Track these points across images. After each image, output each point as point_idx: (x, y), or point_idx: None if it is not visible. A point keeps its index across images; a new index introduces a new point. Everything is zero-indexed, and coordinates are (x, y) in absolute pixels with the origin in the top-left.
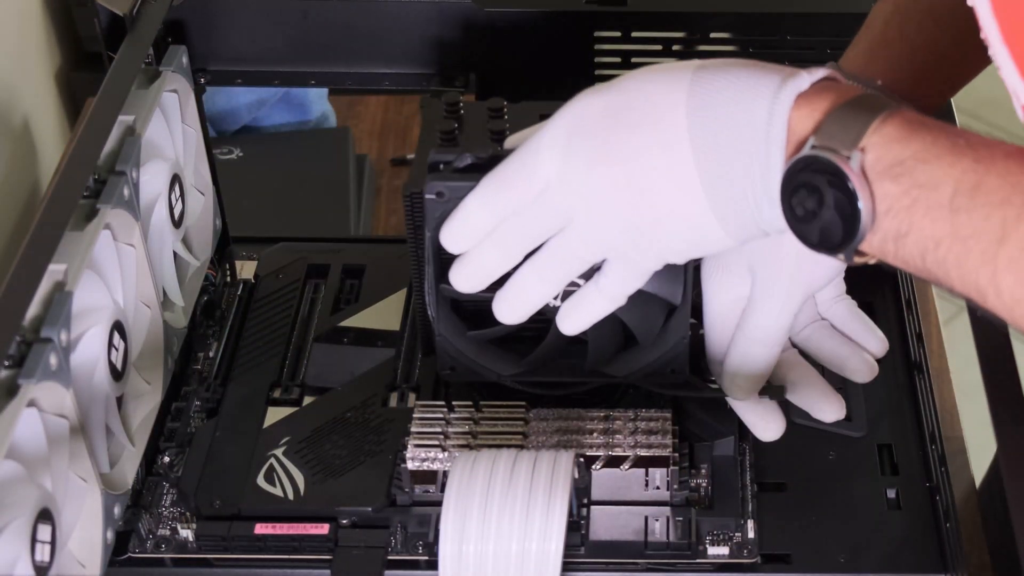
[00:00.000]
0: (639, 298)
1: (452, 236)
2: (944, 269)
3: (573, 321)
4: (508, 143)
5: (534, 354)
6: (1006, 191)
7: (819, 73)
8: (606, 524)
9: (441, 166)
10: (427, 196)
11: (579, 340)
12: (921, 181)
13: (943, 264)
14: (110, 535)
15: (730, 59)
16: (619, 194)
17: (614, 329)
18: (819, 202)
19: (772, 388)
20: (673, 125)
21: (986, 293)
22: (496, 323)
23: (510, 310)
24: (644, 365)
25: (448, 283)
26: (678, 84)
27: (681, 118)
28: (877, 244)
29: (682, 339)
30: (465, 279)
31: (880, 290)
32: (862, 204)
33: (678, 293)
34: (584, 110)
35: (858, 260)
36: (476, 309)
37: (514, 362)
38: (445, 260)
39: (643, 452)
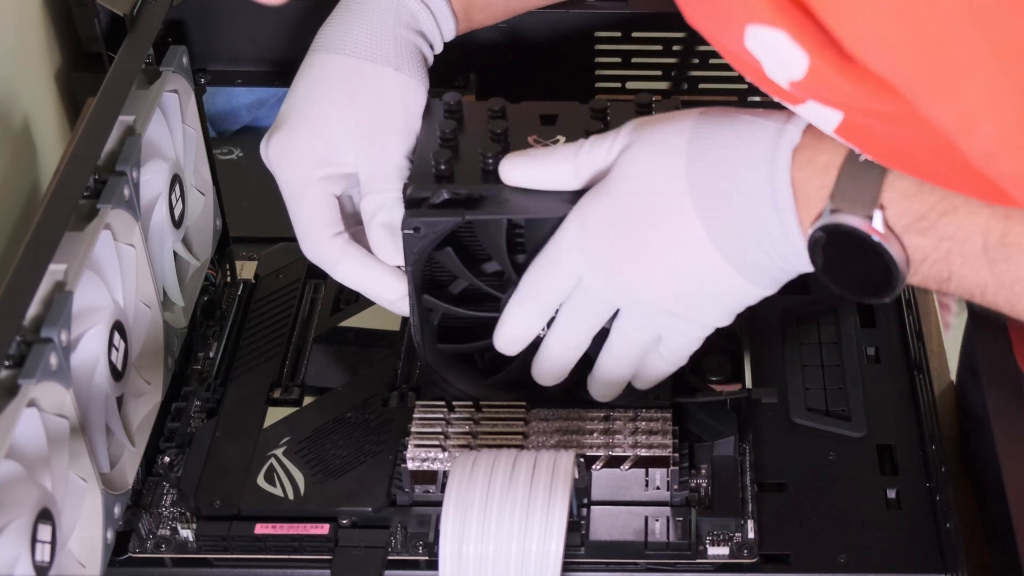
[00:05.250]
0: None
1: (507, 343)
2: (995, 306)
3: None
4: (502, 166)
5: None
6: None
7: (804, 122)
8: (606, 524)
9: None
10: (404, 232)
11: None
12: (948, 234)
13: (993, 303)
14: (110, 535)
15: (720, 120)
16: (651, 288)
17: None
18: (851, 260)
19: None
20: (683, 215)
21: None
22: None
23: (551, 378)
24: (629, 393)
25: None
26: (674, 170)
27: (688, 207)
28: (918, 283)
29: None
30: (544, 374)
31: None
32: (896, 258)
33: None
34: (592, 221)
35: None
36: (458, 327)
37: (506, 391)
38: (429, 283)
39: (643, 452)
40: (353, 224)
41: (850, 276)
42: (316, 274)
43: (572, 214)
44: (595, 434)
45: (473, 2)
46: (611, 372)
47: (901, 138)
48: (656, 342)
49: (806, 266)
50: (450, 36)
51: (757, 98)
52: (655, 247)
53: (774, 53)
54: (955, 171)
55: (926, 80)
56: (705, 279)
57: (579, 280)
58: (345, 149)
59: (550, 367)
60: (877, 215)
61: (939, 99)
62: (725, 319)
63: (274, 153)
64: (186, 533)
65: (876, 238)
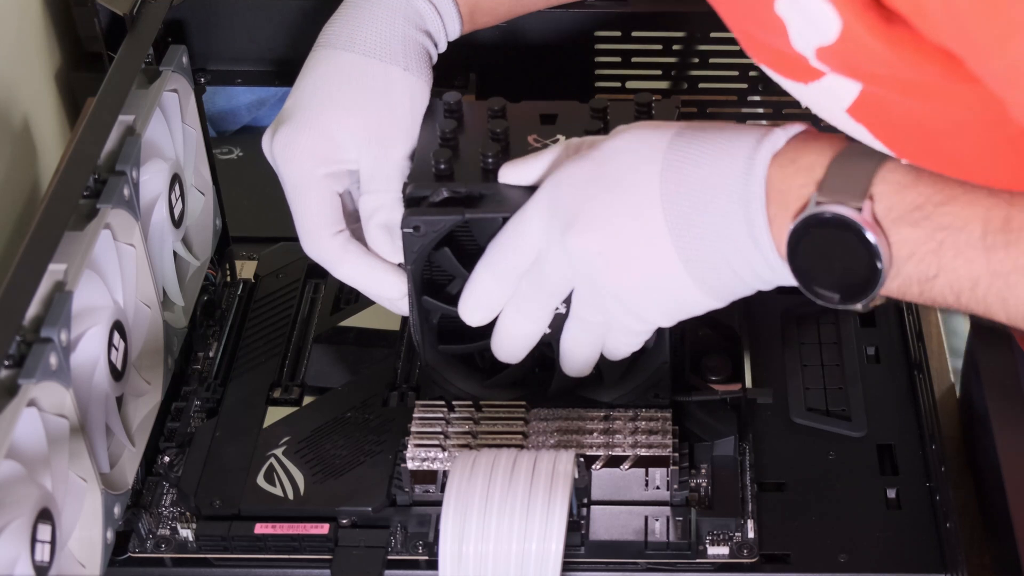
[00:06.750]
0: None
1: (470, 309)
2: (985, 305)
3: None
4: (502, 171)
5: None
6: None
7: (794, 129)
8: (606, 524)
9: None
10: (404, 231)
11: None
12: (944, 224)
13: (983, 301)
14: (110, 535)
15: (709, 124)
16: (598, 265)
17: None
18: (831, 258)
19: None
20: (647, 196)
21: None
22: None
23: (508, 354)
24: (629, 391)
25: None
26: (654, 153)
27: (654, 187)
28: (897, 288)
29: (663, 363)
30: (501, 348)
31: None
32: (881, 252)
33: None
34: (564, 178)
35: (870, 305)
36: (458, 327)
37: (504, 389)
38: (428, 284)
39: (643, 452)
40: (353, 221)
41: (828, 277)
42: (316, 274)
43: (549, 178)
44: (595, 434)
45: (479, 5)
46: (572, 352)
47: (923, 113)
48: (604, 330)
49: (772, 273)
50: (454, 36)
51: (757, 97)
52: (612, 219)
53: (807, 14)
54: (979, 150)
55: (980, 29)
56: (652, 267)
57: (537, 254)
58: (350, 147)
59: (504, 337)
60: (866, 205)
61: (991, 49)
62: (666, 319)
63: (279, 148)
64: (186, 533)
65: (864, 227)
